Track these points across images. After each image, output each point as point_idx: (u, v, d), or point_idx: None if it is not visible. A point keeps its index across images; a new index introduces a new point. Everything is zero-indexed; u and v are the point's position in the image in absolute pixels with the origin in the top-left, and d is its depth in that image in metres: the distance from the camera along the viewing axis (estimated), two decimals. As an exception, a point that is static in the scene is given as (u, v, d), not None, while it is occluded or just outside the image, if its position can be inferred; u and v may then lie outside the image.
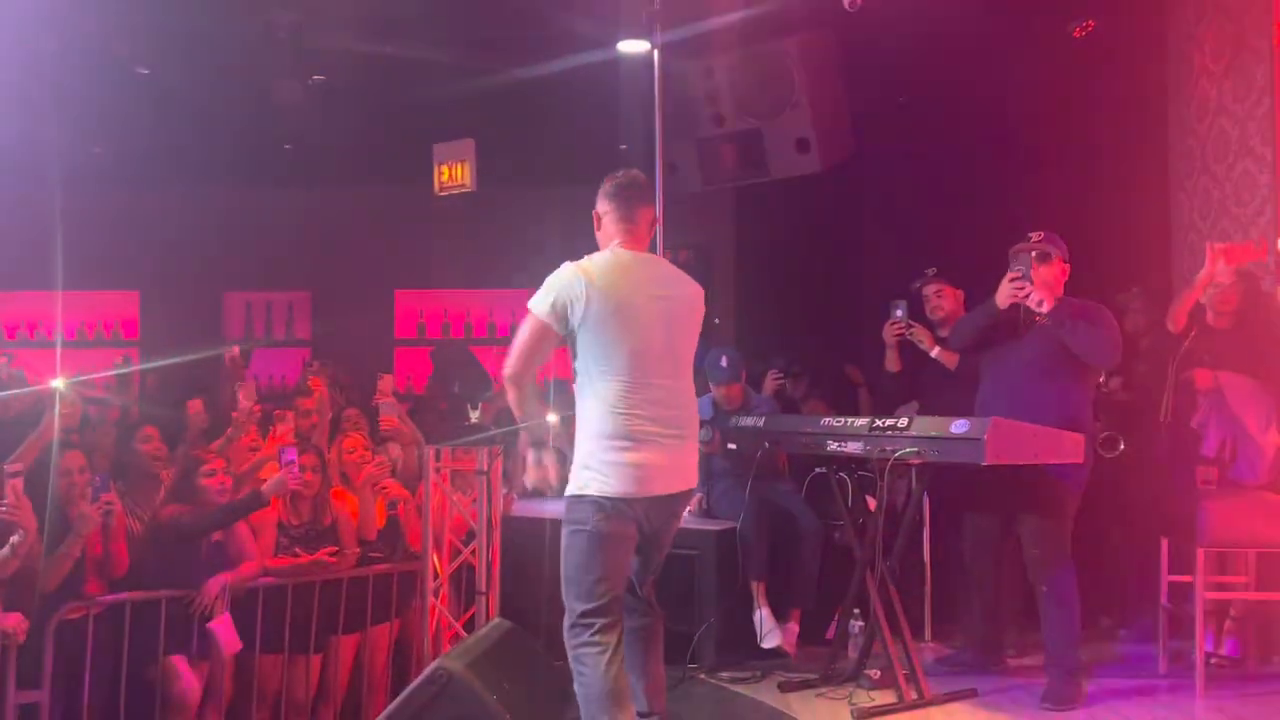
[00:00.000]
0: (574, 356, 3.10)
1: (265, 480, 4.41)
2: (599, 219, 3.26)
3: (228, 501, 4.32)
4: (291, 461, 4.33)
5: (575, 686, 3.03)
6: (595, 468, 3.01)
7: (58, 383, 4.54)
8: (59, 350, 7.53)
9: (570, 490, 3.06)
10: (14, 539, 3.48)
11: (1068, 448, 3.76)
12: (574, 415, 3.12)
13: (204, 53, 5.84)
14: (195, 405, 5.25)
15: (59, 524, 3.85)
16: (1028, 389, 3.94)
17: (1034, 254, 4.02)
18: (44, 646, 3.71)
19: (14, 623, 3.55)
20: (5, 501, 3.39)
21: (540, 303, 3.04)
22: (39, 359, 7.30)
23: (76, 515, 3.85)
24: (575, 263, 3.09)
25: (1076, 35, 6.07)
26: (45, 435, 4.07)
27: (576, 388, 3.12)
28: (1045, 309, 3.94)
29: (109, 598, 4.00)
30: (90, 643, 3.90)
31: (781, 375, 5.43)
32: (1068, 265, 4.06)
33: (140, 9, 5.27)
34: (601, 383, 3.02)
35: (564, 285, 3.02)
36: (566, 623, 3.06)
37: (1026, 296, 3.97)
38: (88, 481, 4.01)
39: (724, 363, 4.80)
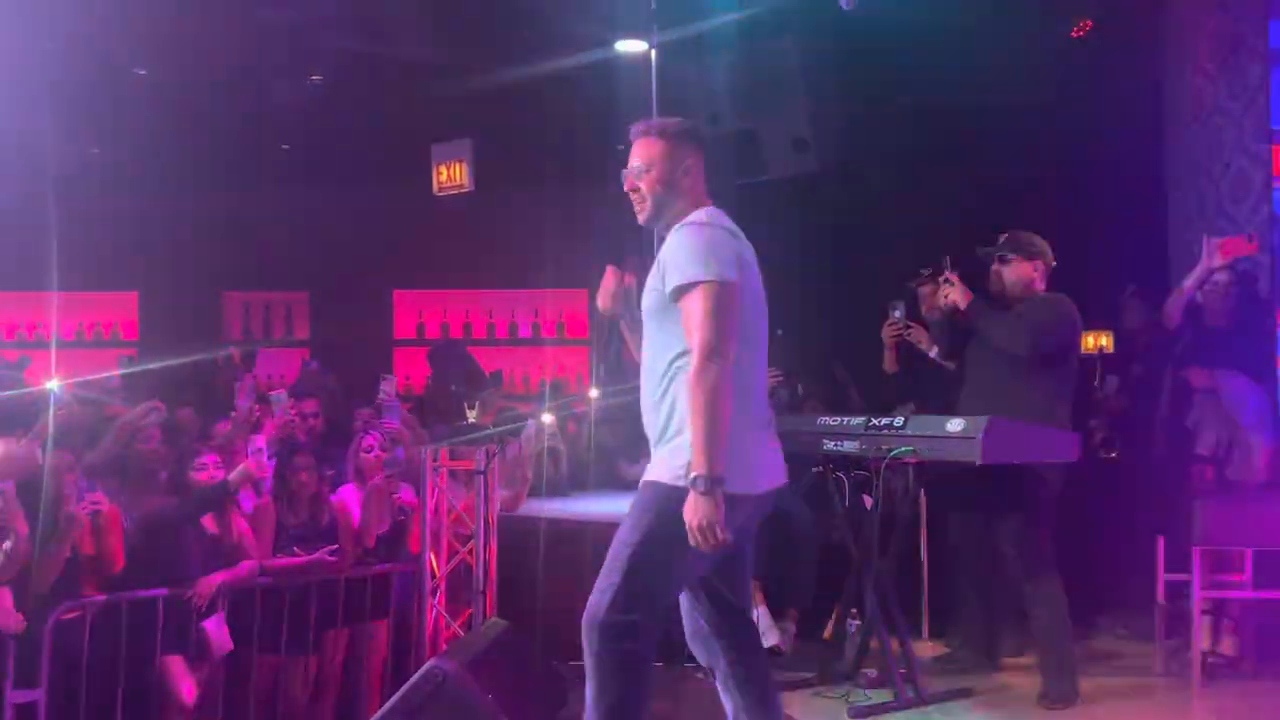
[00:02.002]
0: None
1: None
2: (686, 168, 2.75)
3: (195, 491, 4.31)
4: (259, 450, 4.29)
5: (601, 694, 2.59)
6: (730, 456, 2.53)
7: (52, 384, 4.54)
8: (54, 352, 7.52)
9: (676, 478, 2.57)
10: (5, 545, 3.46)
11: (1063, 446, 3.77)
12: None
13: (201, 53, 5.85)
14: (185, 413, 5.24)
15: (50, 525, 3.85)
16: (998, 385, 4.00)
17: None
18: (41, 645, 3.71)
19: (12, 622, 3.55)
20: None
21: (723, 267, 2.59)
22: (37, 360, 7.30)
23: (63, 516, 3.85)
24: (710, 224, 2.67)
25: (1075, 35, 6.08)
26: (39, 437, 4.07)
27: (685, 362, 2.63)
28: (962, 307, 4.12)
29: (106, 597, 4.00)
30: (87, 642, 3.91)
31: (780, 375, 5.43)
32: (1036, 262, 4.10)
33: (137, 9, 5.28)
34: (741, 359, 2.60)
35: (731, 245, 2.65)
36: (608, 619, 2.56)
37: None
38: (75, 482, 4.01)
39: None
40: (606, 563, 2.63)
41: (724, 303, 2.56)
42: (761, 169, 5.57)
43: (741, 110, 5.48)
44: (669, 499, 2.56)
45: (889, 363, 4.92)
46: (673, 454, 2.61)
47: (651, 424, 2.72)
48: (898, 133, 5.99)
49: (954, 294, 4.15)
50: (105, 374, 6.10)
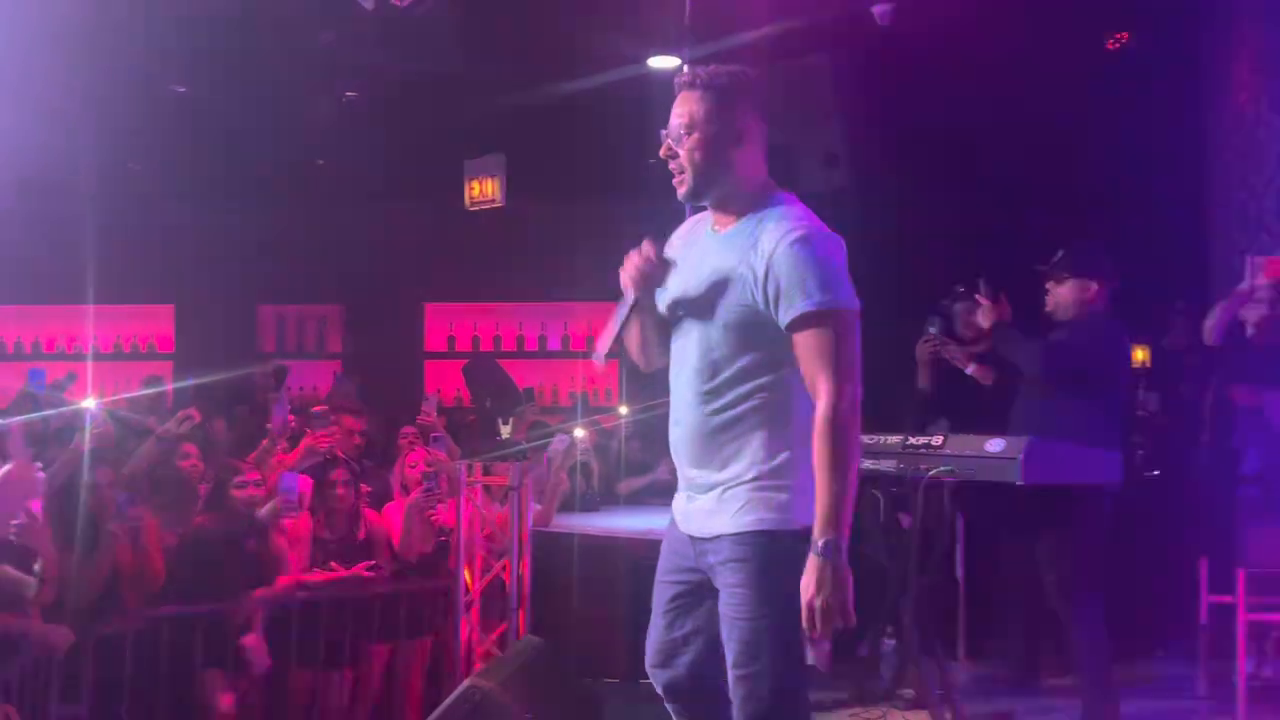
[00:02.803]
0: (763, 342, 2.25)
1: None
2: (738, 133, 2.28)
3: (225, 521, 4.32)
4: (289, 490, 4.28)
5: None
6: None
7: (89, 401, 4.59)
8: (90, 364, 7.61)
9: (776, 522, 2.21)
10: (36, 568, 3.49)
11: (1106, 467, 3.73)
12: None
13: (239, 71, 5.92)
14: (219, 425, 5.28)
15: (90, 540, 3.89)
16: (1042, 405, 3.96)
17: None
18: (84, 661, 3.74)
19: (60, 637, 3.58)
20: (18, 522, 3.37)
21: (851, 293, 2.20)
22: (75, 371, 7.38)
23: (103, 533, 3.89)
24: (828, 234, 2.25)
25: (1110, 47, 6.03)
26: (75, 454, 4.10)
27: (776, 383, 2.26)
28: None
29: (147, 613, 4.04)
30: (129, 657, 3.94)
31: None
32: (1091, 281, 4.05)
33: (177, 29, 5.36)
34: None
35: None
36: (772, 702, 2.20)
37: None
38: (114, 498, 4.04)
39: None
40: (739, 647, 2.22)
41: (854, 335, 2.17)
42: (792, 184, 5.54)
43: (773, 126, 5.46)
44: (774, 547, 2.19)
45: (923, 379, 4.90)
46: (759, 490, 2.21)
47: (710, 456, 2.27)
48: (931, 147, 5.96)
49: (982, 315, 4.17)
50: (155, 389, 6.16)
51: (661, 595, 2.44)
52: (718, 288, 2.24)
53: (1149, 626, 4.96)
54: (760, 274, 2.19)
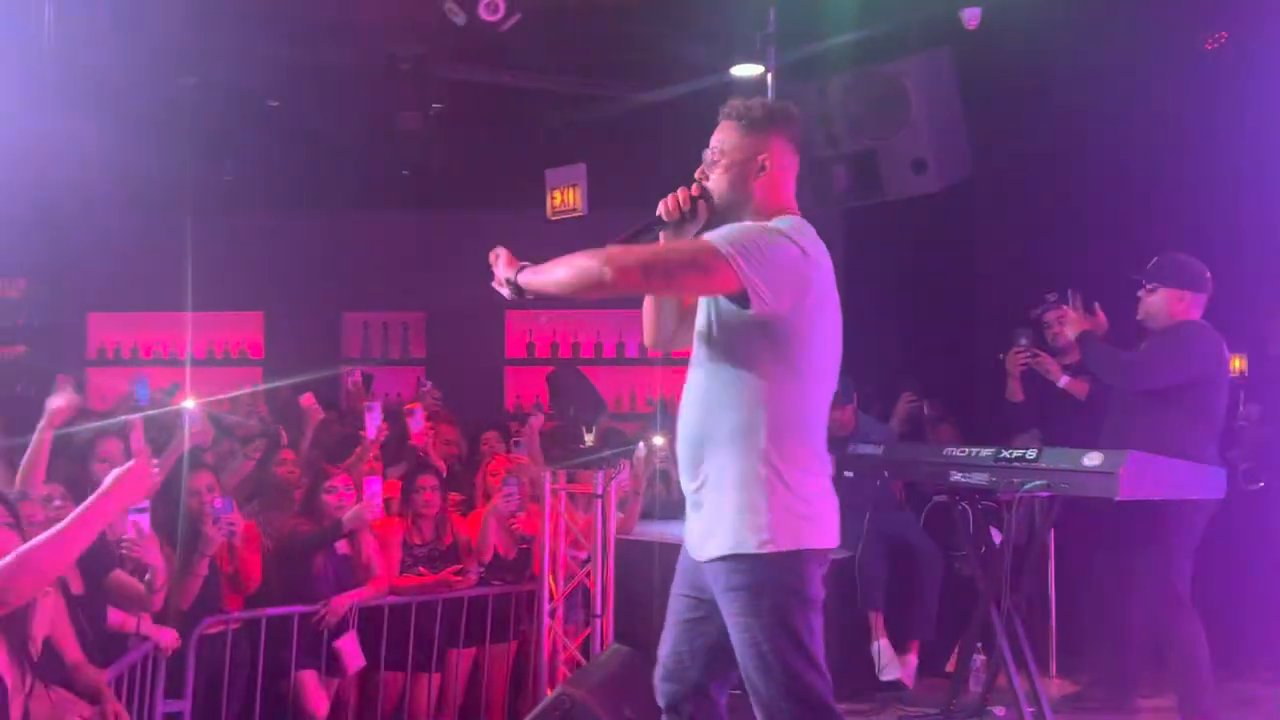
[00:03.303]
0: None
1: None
2: (763, 164, 2.40)
3: (316, 525, 4.42)
4: (374, 494, 4.37)
5: None
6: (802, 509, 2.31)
7: (189, 402, 4.74)
8: (188, 370, 7.86)
9: (761, 544, 2.29)
10: (147, 578, 3.62)
11: (1208, 481, 3.62)
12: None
13: (330, 84, 6.07)
14: (309, 399, 5.37)
15: (190, 542, 4.01)
16: (1136, 418, 3.88)
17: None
18: (187, 659, 3.87)
19: (169, 638, 3.72)
20: (128, 539, 3.50)
21: (750, 263, 2.30)
22: (173, 377, 7.64)
23: (201, 536, 4.01)
24: (783, 232, 2.35)
25: (1209, 47, 5.84)
26: (173, 455, 4.23)
27: (753, 401, 2.36)
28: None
29: (244, 614, 4.17)
30: (229, 656, 4.07)
31: (915, 398, 5.34)
32: (1184, 291, 4.04)
33: (272, 44, 5.52)
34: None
35: (796, 265, 2.32)
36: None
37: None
38: (212, 501, 4.16)
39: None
40: (753, 674, 2.33)
41: (695, 263, 2.25)
42: (879, 191, 5.49)
43: (858, 132, 5.41)
44: (762, 570, 2.29)
45: (1013, 391, 4.81)
46: (739, 513, 2.30)
47: (693, 469, 2.38)
48: (1022, 153, 5.85)
49: (1067, 328, 4.18)
50: (249, 390, 6.33)
51: (675, 609, 2.53)
52: (711, 303, 2.39)
53: (1249, 645, 4.80)
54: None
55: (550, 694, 3.49)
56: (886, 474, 4.24)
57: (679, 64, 5.60)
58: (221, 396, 5.64)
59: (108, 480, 2.30)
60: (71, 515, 2.22)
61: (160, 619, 3.83)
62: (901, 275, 6.95)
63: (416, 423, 5.00)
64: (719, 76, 5.61)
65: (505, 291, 2.45)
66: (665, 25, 5.37)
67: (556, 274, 2.31)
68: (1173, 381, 3.90)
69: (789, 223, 2.37)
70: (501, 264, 2.46)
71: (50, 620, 2.91)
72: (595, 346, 8.59)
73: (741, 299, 2.27)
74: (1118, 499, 3.36)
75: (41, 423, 3.40)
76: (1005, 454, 3.72)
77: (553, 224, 7.24)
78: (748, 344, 2.33)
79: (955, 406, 5.83)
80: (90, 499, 2.26)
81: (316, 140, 6.71)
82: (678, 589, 2.53)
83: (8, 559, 2.14)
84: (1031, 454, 3.65)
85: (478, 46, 5.49)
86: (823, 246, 2.41)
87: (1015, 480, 3.60)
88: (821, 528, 2.36)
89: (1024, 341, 4.61)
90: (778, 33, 5.14)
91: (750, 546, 2.29)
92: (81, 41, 5.13)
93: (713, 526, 2.35)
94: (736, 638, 2.33)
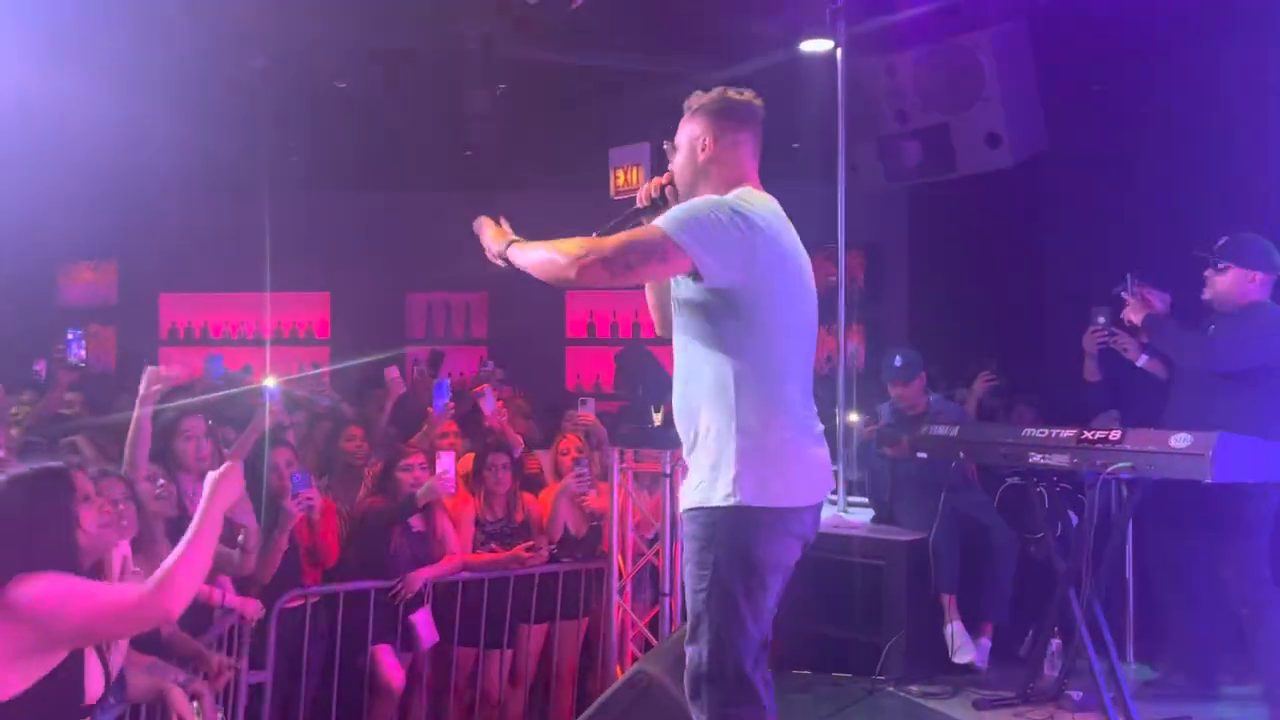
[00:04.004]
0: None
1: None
2: (705, 145, 2.56)
3: (391, 502, 4.47)
4: (445, 471, 4.41)
5: None
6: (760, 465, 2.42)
7: (269, 380, 4.82)
8: (268, 350, 8.01)
9: (723, 498, 2.41)
10: (240, 538, 3.70)
11: (1301, 465, 3.52)
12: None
13: (397, 66, 6.11)
14: (393, 373, 5.45)
15: (271, 517, 4.09)
16: (1208, 399, 3.81)
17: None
18: (269, 632, 3.96)
19: (253, 609, 3.80)
20: None
21: (692, 238, 2.42)
22: (243, 357, 7.80)
23: (281, 511, 4.08)
24: (723, 201, 2.48)
25: (1295, 15, 5.62)
26: (255, 432, 4.30)
27: (719, 362, 2.48)
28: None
29: (323, 588, 4.24)
30: (307, 630, 4.15)
31: (993, 377, 5.25)
32: (1254, 272, 3.94)
33: (341, 27, 5.56)
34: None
35: (734, 233, 2.44)
36: (709, 673, 2.45)
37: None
38: (291, 477, 4.23)
39: (898, 361, 4.73)
40: (689, 614, 2.47)
41: (647, 250, 2.37)
42: (952, 165, 5.41)
43: (931, 106, 5.33)
44: (712, 523, 2.40)
45: (1090, 371, 4.71)
46: (709, 471, 2.42)
47: (682, 430, 2.52)
48: (1098, 126, 5.70)
49: (1131, 311, 4.11)
50: (314, 371, 6.44)
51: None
52: (673, 280, 2.52)
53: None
54: None
55: (624, 672, 3.50)
56: (962, 455, 4.17)
57: (747, 40, 5.54)
58: (293, 376, 5.74)
59: (207, 487, 2.38)
60: (191, 529, 2.31)
61: (242, 592, 3.92)
62: (969, 254, 6.85)
63: (489, 403, 5.04)
64: (788, 52, 5.55)
65: (499, 263, 2.63)
66: (734, 1, 5.32)
67: (531, 257, 2.51)
68: (1256, 363, 3.80)
69: (738, 193, 2.50)
70: (487, 236, 2.66)
71: None
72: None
73: (695, 275, 2.41)
74: (1209, 481, 3.27)
75: (138, 401, 3.47)
76: (1087, 435, 3.64)
77: (616, 203, 7.25)
78: (709, 312, 2.45)
79: (1028, 387, 5.74)
80: (201, 508, 2.35)
81: (382, 122, 6.76)
82: None
83: (150, 582, 2.23)
84: (1115, 435, 3.57)
85: (543, 26, 5.48)
86: (777, 211, 2.54)
87: (1099, 462, 3.53)
88: (791, 486, 2.44)
89: (1101, 320, 4.50)
90: (847, 6, 5.06)
91: (711, 500, 2.41)
92: (154, 26, 5.22)
93: (690, 482, 2.50)
94: (685, 584, 2.48)
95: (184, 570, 2.21)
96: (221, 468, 2.42)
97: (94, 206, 7.44)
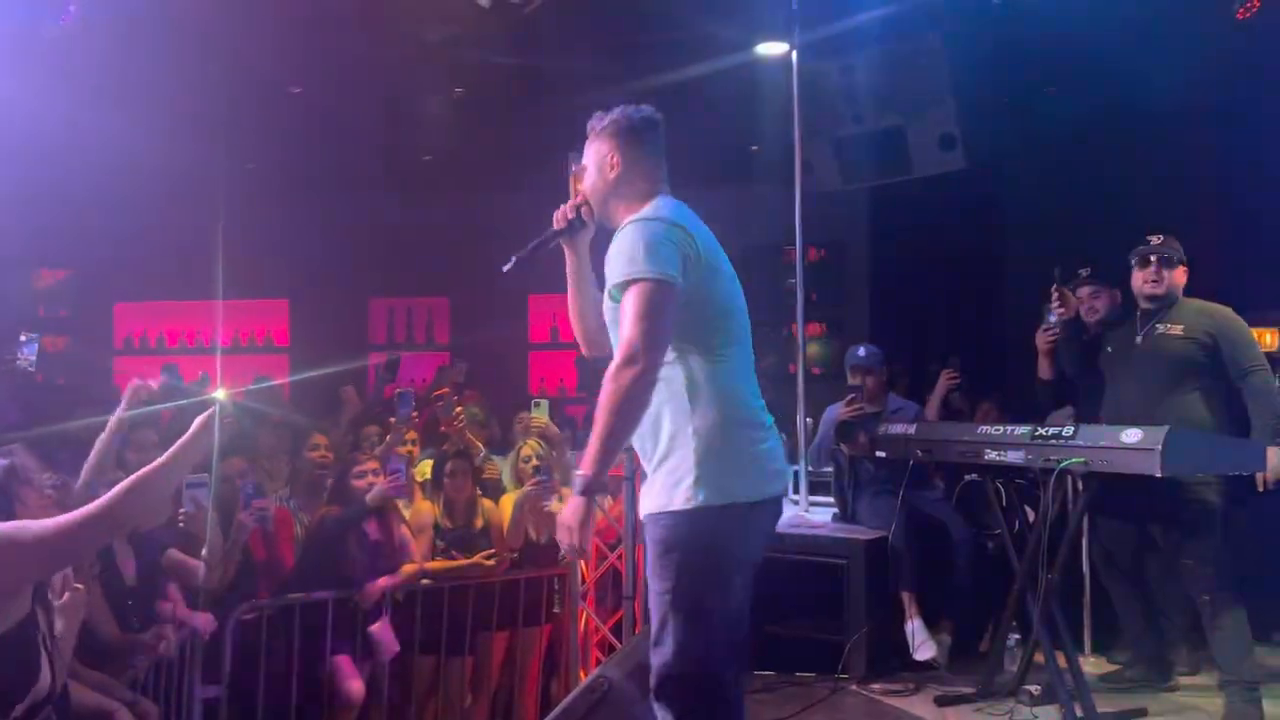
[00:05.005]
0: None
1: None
2: (613, 163, 2.61)
3: (342, 507, 4.43)
4: (397, 471, 4.39)
5: None
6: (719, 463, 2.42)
7: (219, 393, 4.75)
8: (219, 358, 7.91)
9: (683, 501, 2.40)
10: (204, 552, 3.65)
11: (1250, 458, 3.58)
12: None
13: (350, 70, 6.06)
14: (349, 392, 5.41)
15: (223, 528, 4.03)
16: (1160, 394, 3.86)
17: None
18: (223, 644, 3.90)
19: (204, 622, 3.74)
20: (185, 512, 3.54)
21: (662, 264, 2.43)
22: (199, 366, 7.69)
23: (235, 524, 4.03)
24: (651, 218, 2.50)
25: (1240, 16, 5.73)
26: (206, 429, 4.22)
27: (673, 366, 2.48)
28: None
29: (279, 600, 4.19)
30: (264, 641, 4.09)
31: (955, 376, 5.29)
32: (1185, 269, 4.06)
33: (293, 33, 5.51)
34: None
35: (673, 239, 2.47)
36: (677, 676, 2.42)
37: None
38: (244, 488, 4.18)
39: (862, 351, 4.77)
40: (653, 617, 2.46)
41: (657, 303, 2.36)
42: (907, 168, 5.45)
43: (886, 109, 5.37)
44: (677, 526, 2.39)
45: (1043, 369, 4.76)
46: (669, 475, 2.42)
47: (639, 442, 2.50)
48: (1051, 128, 5.77)
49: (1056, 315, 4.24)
50: (271, 383, 6.37)
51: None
52: (605, 295, 2.52)
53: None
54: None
55: (586, 677, 3.49)
56: (919, 453, 4.20)
57: (704, 43, 5.55)
58: (249, 387, 5.67)
59: (195, 424, 2.45)
60: (167, 454, 2.36)
61: (195, 605, 3.86)
62: (930, 254, 6.90)
63: (447, 409, 5.01)
64: (744, 54, 5.57)
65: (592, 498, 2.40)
66: (689, 4, 5.33)
67: (615, 425, 2.33)
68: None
69: (657, 205, 2.54)
70: (577, 518, 2.38)
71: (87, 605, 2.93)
72: (619, 329, 8.57)
73: None
74: (1158, 475, 3.31)
75: (118, 410, 3.43)
76: (1041, 432, 3.68)
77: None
78: None
79: (992, 385, 5.79)
80: (182, 440, 2.40)
81: (340, 126, 6.70)
82: None
83: (118, 487, 2.25)
84: (1068, 431, 3.60)
85: (501, 29, 5.46)
86: (694, 217, 2.57)
87: (1052, 458, 3.56)
88: (750, 480, 2.46)
89: (1052, 319, 4.55)
90: (802, 10, 5.09)
91: (670, 504, 2.42)
92: (106, 35, 5.14)
93: (651, 486, 2.50)
94: (649, 589, 2.48)
95: (146, 481, 2.22)
96: (202, 415, 2.42)
97: (47, 215, 7.32)
